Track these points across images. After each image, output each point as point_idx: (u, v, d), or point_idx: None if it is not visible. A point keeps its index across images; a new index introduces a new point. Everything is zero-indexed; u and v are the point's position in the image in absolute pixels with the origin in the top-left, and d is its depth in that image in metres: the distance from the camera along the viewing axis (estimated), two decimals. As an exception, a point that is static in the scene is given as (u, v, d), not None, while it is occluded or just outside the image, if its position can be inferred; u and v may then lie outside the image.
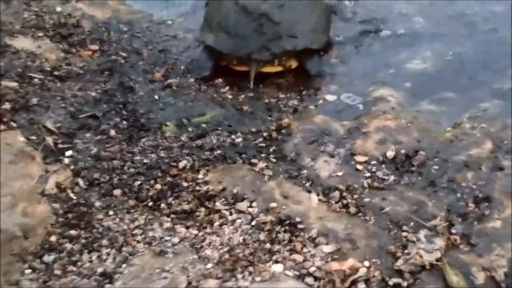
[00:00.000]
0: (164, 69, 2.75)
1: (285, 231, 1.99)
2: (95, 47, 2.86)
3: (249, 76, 2.64)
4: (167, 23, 3.06)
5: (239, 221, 2.01)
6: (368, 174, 2.22)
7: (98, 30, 2.96)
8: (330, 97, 2.63)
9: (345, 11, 3.14)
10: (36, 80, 2.65)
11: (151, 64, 2.78)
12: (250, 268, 1.83)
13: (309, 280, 1.81)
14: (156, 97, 2.60)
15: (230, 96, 2.62)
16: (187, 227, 1.99)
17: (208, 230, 1.98)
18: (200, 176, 2.19)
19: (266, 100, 2.60)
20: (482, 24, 2.97)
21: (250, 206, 2.06)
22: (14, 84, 2.61)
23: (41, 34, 2.92)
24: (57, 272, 1.83)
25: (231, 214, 2.04)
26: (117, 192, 2.13)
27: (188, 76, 2.72)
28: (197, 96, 2.62)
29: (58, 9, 3.09)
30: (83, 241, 1.94)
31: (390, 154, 2.29)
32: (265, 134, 2.40)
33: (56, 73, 2.70)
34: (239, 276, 1.81)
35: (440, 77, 2.72)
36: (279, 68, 2.70)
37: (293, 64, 2.72)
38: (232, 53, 2.65)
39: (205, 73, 2.72)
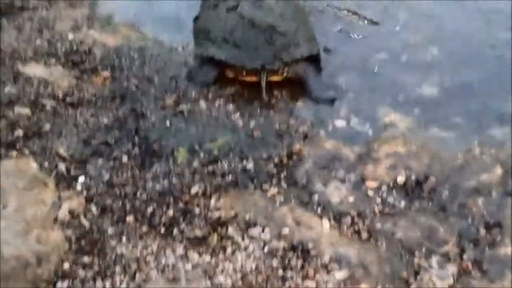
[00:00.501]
0: (176, 96, 2.78)
1: (297, 257, 2.00)
2: (106, 73, 2.90)
3: (260, 86, 2.75)
4: (178, 50, 3.09)
5: (251, 247, 2.02)
6: (379, 200, 2.23)
7: (110, 57, 3.00)
8: (340, 122, 2.65)
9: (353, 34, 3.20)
10: (48, 106, 2.69)
11: (162, 91, 2.80)
12: (264, 295, 1.84)
13: (323, 306, 1.81)
14: (168, 123, 2.62)
15: (241, 122, 2.64)
16: (200, 254, 2.00)
17: (220, 256, 1.99)
18: (212, 202, 2.20)
19: (277, 126, 2.62)
20: (489, 51, 3.01)
21: (263, 232, 2.07)
22: (26, 111, 2.65)
23: (53, 61, 2.96)
24: (71, 299, 1.84)
25: (243, 240, 2.05)
26: (129, 218, 2.14)
27: (200, 101, 2.75)
28: (208, 121, 2.64)
29: (70, 36, 3.13)
30: (96, 268, 1.95)
31: (401, 179, 2.30)
32: (276, 159, 2.41)
33: (68, 99, 2.73)
34: (253, 303, 1.81)
35: (449, 103, 2.75)
36: (281, 77, 2.82)
37: (292, 72, 2.83)
38: (245, 65, 2.76)
39: (209, 80, 2.83)
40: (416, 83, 2.86)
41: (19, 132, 2.53)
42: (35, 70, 2.90)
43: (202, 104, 2.74)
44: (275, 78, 2.81)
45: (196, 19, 3.07)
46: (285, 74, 2.82)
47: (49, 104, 2.70)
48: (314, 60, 2.89)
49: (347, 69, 2.97)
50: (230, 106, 2.73)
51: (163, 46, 3.12)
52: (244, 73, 2.80)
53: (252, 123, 2.64)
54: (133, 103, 2.72)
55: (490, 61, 2.97)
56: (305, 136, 2.56)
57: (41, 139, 2.51)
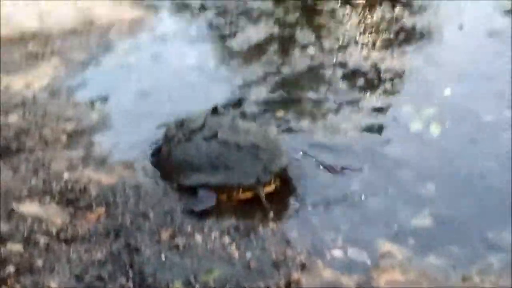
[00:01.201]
0: (171, 230, 2.77)
1: None
2: (101, 210, 2.90)
3: (259, 198, 2.95)
4: (173, 186, 3.12)
5: None
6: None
7: (105, 194, 3.02)
8: (337, 252, 2.64)
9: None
10: (41, 243, 2.66)
11: (157, 225, 2.80)
12: None
13: None
14: (163, 256, 2.58)
15: (237, 253, 2.62)
16: None
17: None
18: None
19: (274, 256, 2.59)
20: (478, 180, 3.09)
21: None
22: (19, 247, 2.61)
23: (48, 199, 2.98)
24: None
25: None
26: None
27: (196, 234, 2.74)
28: (204, 254, 2.61)
29: (66, 176, 3.17)
30: None
31: (403, 307, 2.25)
32: (274, 290, 2.37)
33: (61, 236, 2.72)
34: None
35: (443, 233, 2.77)
36: (273, 187, 3.05)
37: (278, 182, 3.08)
38: (241, 183, 2.97)
39: (209, 208, 2.93)
40: (409, 214, 2.88)
41: (11, 268, 2.48)
42: (29, 208, 2.91)
43: (198, 237, 2.73)
44: (268, 189, 3.01)
45: (156, 153, 3.35)
46: (274, 184, 3.05)
47: (42, 240, 2.67)
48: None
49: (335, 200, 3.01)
50: (226, 238, 2.72)
51: (159, 183, 3.15)
52: (241, 192, 2.98)
53: (249, 254, 2.62)
54: (127, 238, 2.70)
55: (481, 190, 3.03)
56: (303, 266, 2.53)
57: (33, 275, 2.47)
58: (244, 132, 3.14)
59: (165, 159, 3.23)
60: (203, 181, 2.99)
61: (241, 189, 2.98)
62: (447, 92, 4.01)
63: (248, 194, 2.99)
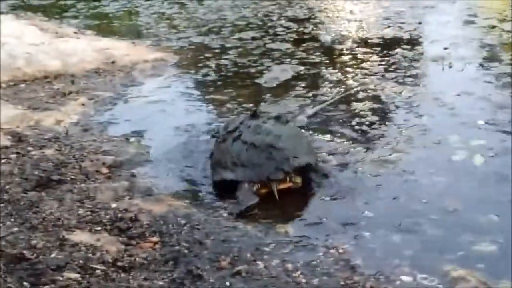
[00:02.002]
0: (230, 258, 2.68)
1: None
2: (155, 239, 2.81)
3: (273, 193, 3.19)
4: (224, 215, 3.06)
5: None
6: None
7: (157, 223, 2.93)
8: (406, 278, 2.55)
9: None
10: (98, 271, 2.55)
11: (215, 253, 2.70)
12: None
13: None
14: (228, 283, 2.49)
15: (303, 280, 2.52)
16: None
17: None
18: None
19: (342, 282, 2.50)
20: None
21: None
22: (76, 276, 2.51)
23: (98, 228, 2.88)
24: None
25: None
26: None
27: (257, 262, 2.65)
28: (269, 281, 2.51)
29: (113, 205, 3.09)
30: None
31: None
32: (351, 314, 2.27)
33: (118, 264, 2.61)
34: None
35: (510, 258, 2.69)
36: (290, 184, 3.27)
37: (299, 180, 3.30)
38: (253, 179, 3.23)
39: (254, 200, 3.18)
40: (471, 240, 2.82)
41: (71, 297, 2.37)
42: (80, 237, 2.81)
43: (259, 264, 2.64)
44: (283, 186, 3.24)
45: (211, 155, 3.57)
46: (295, 181, 3.28)
47: (99, 268, 2.57)
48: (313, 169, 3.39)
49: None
50: (289, 265, 2.63)
51: (209, 213, 3.08)
52: (259, 186, 3.24)
53: (315, 281, 2.52)
54: (187, 265, 2.60)
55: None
56: (375, 291, 2.44)
57: (95, 303, 2.34)
58: (266, 133, 3.37)
59: (211, 162, 3.53)
60: (224, 177, 3.28)
61: (258, 184, 3.22)
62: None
63: (266, 189, 3.23)
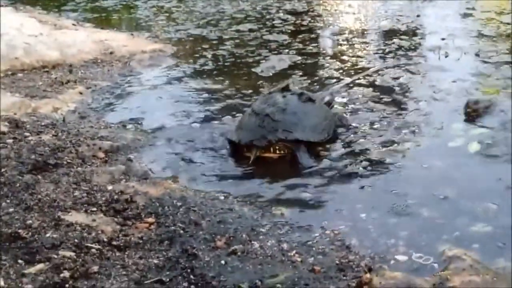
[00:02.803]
0: (226, 238, 2.68)
1: None
2: (151, 219, 2.81)
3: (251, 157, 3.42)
4: (220, 198, 3.05)
5: None
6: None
7: (153, 205, 2.93)
8: (401, 257, 2.55)
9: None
10: (93, 250, 2.55)
11: (211, 234, 2.70)
12: None
13: None
14: (223, 262, 2.48)
15: (299, 259, 2.52)
16: None
17: None
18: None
19: (337, 261, 2.51)
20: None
21: None
22: (71, 254, 2.51)
23: (94, 209, 2.88)
24: None
25: None
26: None
27: (253, 242, 2.64)
28: (265, 260, 2.52)
29: (109, 187, 3.09)
30: None
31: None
32: (348, 291, 2.27)
33: (114, 243, 2.61)
34: None
35: (506, 238, 2.69)
36: (275, 155, 3.46)
37: (288, 152, 3.47)
38: (239, 142, 3.48)
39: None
40: (468, 221, 2.81)
41: (66, 274, 2.37)
42: (76, 217, 2.81)
43: (255, 243, 2.64)
44: (267, 154, 3.45)
45: None
46: (278, 152, 3.47)
47: (94, 247, 2.57)
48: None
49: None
50: (285, 245, 2.63)
51: (205, 196, 3.08)
52: (245, 149, 3.48)
53: (310, 259, 2.52)
54: (183, 245, 2.60)
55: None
56: (370, 269, 2.43)
57: (90, 280, 2.34)
58: (272, 104, 3.57)
59: None
60: (228, 137, 3.60)
61: (244, 147, 3.47)
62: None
63: (249, 154, 3.45)
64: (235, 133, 3.57)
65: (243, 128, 3.55)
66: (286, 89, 3.80)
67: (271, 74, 5.09)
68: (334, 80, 4.81)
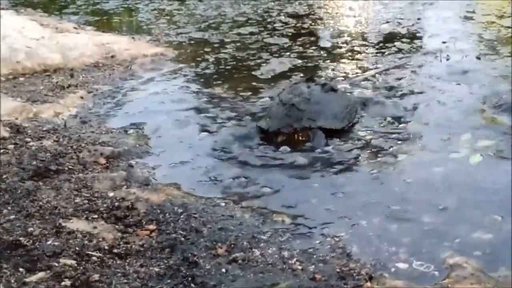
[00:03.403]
0: (227, 245, 2.68)
1: None
2: (152, 227, 2.81)
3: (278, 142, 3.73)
4: (221, 205, 3.06)
5: None
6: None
7: (154, 212, 2.94)
8: (402, 265, 2.55)
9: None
10: (94, 257, 2.56)
11: (212, 241, 2.70)
12: None
13: None
14: (224, 270, 2.49)
15: (299, 267, 2.52)
16: None
17: None
18: None
19: (338, 269, 2.51)
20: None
21: None
22: (72, 262, 2.51)
23: (95, 216, 2.89)
24: None
25: None
26: None
27: (253, 250, 2.65)
28: (265, 268, 2.52)
29: (111, 194, 3.10)
30: None
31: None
32: (347, 300, 2.27)
33: (115, 250, 2.62)
34: None
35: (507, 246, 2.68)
36: (295, 141, 3.76)
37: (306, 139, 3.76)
38: (268, 129, 3.80)
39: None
40: (469, 229, 2.81)
41: (67, 282, 2.38)
42: (77, 225, 2.81)
43: (256, 251, 2.64)
44: (291, 139, 3.74)
45: None
46: (299, 138, 3.77)
47: (95, 255, 2.57)
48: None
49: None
50: (285, 253, 2.63)
51: (206, 202, 3.08)
52: (274, 136, 3.77)
53: (311, 267, 2.52)
54: (184, 253, 2.60)
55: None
56: (370, 277, 2.44)
57: (91, 288, 2.35)
58: (298, 94, 3.89)
59: None
60: (259, 125, 3.88)
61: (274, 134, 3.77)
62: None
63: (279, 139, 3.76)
64: (264, 121, 3.88)
65: (271, 116, 3.86)
66: (310, 79, 4.13)
67: (269, 77, 5.10)
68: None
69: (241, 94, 4.70)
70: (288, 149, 3.65)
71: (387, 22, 6.94)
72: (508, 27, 6.36)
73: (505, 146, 3.58)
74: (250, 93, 4.70)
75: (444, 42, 5.82)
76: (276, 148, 3.66)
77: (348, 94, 4.35)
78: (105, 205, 2.99)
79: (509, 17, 6.81)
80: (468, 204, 3.03)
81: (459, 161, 3.47)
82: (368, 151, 3.61)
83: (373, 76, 4.96)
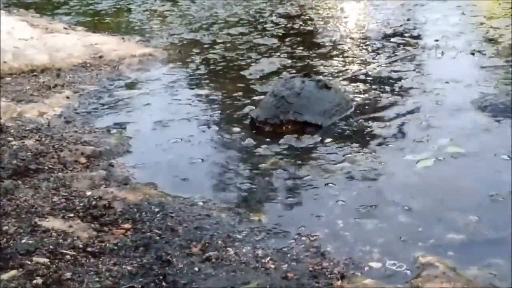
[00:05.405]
0: (201, 244, 2.68)
1: None
2: (128, 225, 2.81)
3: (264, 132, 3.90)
4: (199, 204, 3.05)
5: None
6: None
7: (130, 211, 2.93)
8: (375, 264, 2.55)
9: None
10: (68, 256, 2.56)
11: (187, 240, 2.70)
12: None
13: None
14: (196, 269, 2.48)
15: (272, 265, 2.52)
16: None
17: None
18: None
19: (310, 268, 2.50)
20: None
21: None
22: (45, 260, 2.51)
23: (71, 215, 2.89)
24: None
25: None
26: None
27: (228, 249, 2.65)
28: (238, 266, 2.51)
29: (88, 193, 3.10)
30: None
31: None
32: (317, 299, 2.27)
33: (89, 249, 2.62)
34: None
35: (484, 245, 2.68)
36: (284, 130, 3.90)
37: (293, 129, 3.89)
38: (257, 118, 3.97)
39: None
40: (445, 227, 2.81)
41: (38, 281, 2.37)
42: (53, 223, 2.81)
43: (230, 250, 2.64)
44: (278, 130, 3.89)
45: None
46: (284, 128, 3.90)
47: (68, 254, 2.57)
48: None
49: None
50: (259, 251, 2.63)
51: (184, 202, 3.07)
52: (261, 125, 3.95)
53: (284, 266, 2.52)
54: (157, 251, 2.60)
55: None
56: (342, 276, 2.43)
57: (62, 286, 2.34)
58: (289, 88, 4.03)
59: None
60: (250, 114, 4.08)
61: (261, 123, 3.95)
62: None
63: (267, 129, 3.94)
64: (255, 110, 4.07)
65: (261, 106, 4.04)
66: (307, 75, 4.23)
67: (258, 77, 5.10)
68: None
69: (228, 94, 4.70)
70: (272, 144, 3.68)
71: (378, 22, 6.96)
72: (497, 28, 6.38)
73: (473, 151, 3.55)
74: (239, 93, 4.69)
75: (436, 41, 5.85)
76: (260, 141, 3.73)
77: (342, 92, 4.39)
78: (82, 204, 2.99)
79: (498, 18, 6.83)
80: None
81: (408, 164, 3.45)
82: (349, 149, 3.60)
83: (365, 74, 4.98)
